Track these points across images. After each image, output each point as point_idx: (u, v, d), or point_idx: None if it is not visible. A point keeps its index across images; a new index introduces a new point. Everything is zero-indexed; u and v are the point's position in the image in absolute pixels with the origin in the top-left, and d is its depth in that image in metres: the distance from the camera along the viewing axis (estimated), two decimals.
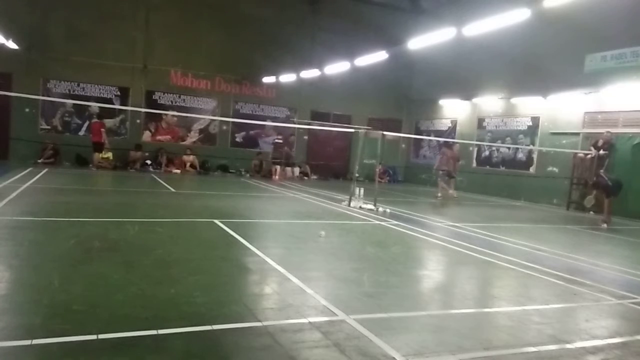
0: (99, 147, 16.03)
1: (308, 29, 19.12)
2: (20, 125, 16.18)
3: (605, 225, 10.53)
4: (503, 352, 3.24)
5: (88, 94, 16.98)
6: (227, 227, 6.98)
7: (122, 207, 8.81)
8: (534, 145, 15.87)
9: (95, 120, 16.62)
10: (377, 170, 12.67)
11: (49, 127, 16.80)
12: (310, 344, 3.14)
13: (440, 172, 15.25)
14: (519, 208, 14.01)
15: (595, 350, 3.43)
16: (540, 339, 3.53)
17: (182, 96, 18.33)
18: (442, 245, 7.10)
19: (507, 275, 5.66)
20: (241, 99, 19.24)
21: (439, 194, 14.77)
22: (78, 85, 16.95)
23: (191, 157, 17.81)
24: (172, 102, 18.20)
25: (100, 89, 17.22)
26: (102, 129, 16.04)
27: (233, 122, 18.52)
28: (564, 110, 14.82)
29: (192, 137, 18.77)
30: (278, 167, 18.19)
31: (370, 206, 10.49)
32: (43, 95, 15.90)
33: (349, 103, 20.35)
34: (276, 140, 18.91)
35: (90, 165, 15.95)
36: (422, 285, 5.13)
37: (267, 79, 18.94)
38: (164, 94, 18.11)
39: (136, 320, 3.28)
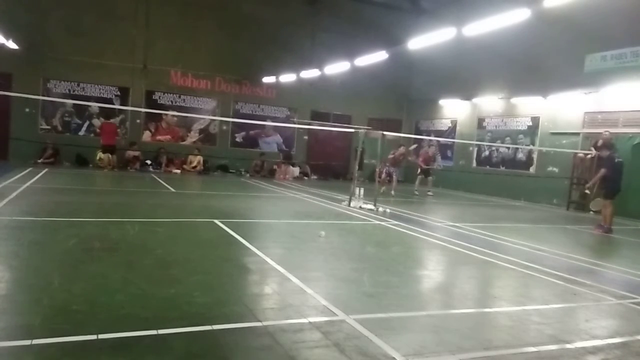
0: (112, 149, 16.20)
1: (308, 29, 19.10)
2: (20, 125, 16.17)
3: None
4: (503, 352, 3.23)
5: (88, 94, 16.98)
6: (227, 227, 6.97)
7: (122, 207, 8.81)
8: (534, 145, 15.87)
9: (106, 121, 16.71)
10: (378, 170, 12.66)
11: (49, 127, 16.79)
12: (310, 344, 3.14)
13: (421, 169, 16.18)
14: (519, 208, 14.00)
15: (595, 350, 3.43)
16: (540, 339, 3.53)
17: (182, 96, 18.32)
18: (442, 245, 7.10)
19: (507, 275, 5.66)
20: (241, 99, 19.23)
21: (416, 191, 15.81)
22: (78, 85, 16.95)
23: (198, 157, 17.79)
24: (172, 102, 18.20)
25: (100, 89, 17.21)
26: (117, 130, 16.28)
27: (233, 122, 18.51)
28: (564, 110, 14.82)
29: (192, 137, 18.76)
30: (290, 167, 18.75)
31: (370, 206, 10.49)
32: (43, 95, 15.90)
33: (349, 103, 20.35)
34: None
35: (115, 168, 16.04)
36: (422, 285, 5.13)
37: (267, 79, 18.93)
38: (164, 94, 18.10)
39: (136, 320, 3.28)
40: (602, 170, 9.83)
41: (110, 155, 16.13)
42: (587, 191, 10.54)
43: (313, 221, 8.61)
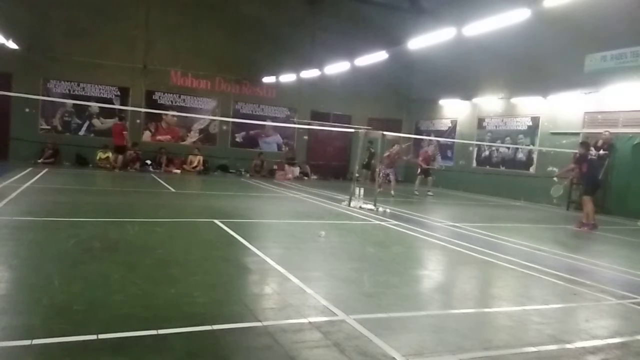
0: (121, 149, 16.09)
1: (308, 29, 19.11)
2: (20, 125, 16.18)
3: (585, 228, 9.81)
4: (503, 352, 3.24)
5: (88, 94, 16.98)
6: (227, 227, 6.97)
7: (122, 207, 8.81)
8: (534, 145, 15.87)
9: (118, 122, 16.61)
10: (379, 170, 12.65)
11: (49, 127, 16.79)
12: (310, 344, 3.14)
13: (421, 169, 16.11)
14: (519, 208, 14.00)
15: (595, 350, 3.43)
16: (540, 339, 3.53)
17: (182, 96, 18.32)
18: (442, 245, 7.10)
19: (507, 275, 5.66)
20: (241, 99, 19.23)
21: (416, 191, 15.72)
22: (78, 85, 16.95)
23: (198, 157, 17.77)
24: (172, 102, 18.20)
25: (100, 89, 17.21)
26: (125, 131, 16.16)
27: (233, 122, 18.52)
28: (564, 110, 14.82)
29: (192, 137, 18.76)
30: (290, 167, 18.73)
31: (370, 206, 10.49)
32: (43, 95, 15.90)
33: (349, 103, 20.35)
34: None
35: (117, 169, 15.85)
36: (422, 285, 5.13)
37: (267, 79, 18.93)
38: (164, 94, 18.10)
39: (136, 320, 3.28)
40: (571, 165, 10.89)
41: (117, 155, 15.97)
42: (555, 178, 12.02)
43: (313, 221, 8.61)
